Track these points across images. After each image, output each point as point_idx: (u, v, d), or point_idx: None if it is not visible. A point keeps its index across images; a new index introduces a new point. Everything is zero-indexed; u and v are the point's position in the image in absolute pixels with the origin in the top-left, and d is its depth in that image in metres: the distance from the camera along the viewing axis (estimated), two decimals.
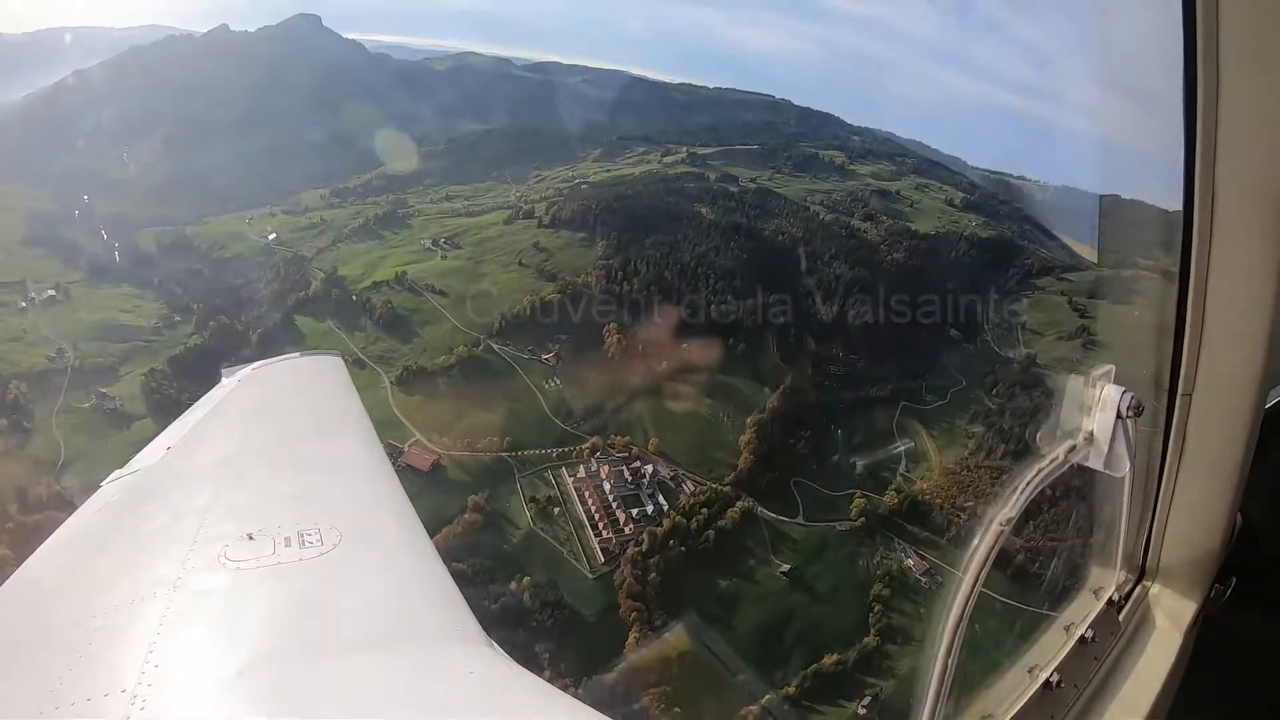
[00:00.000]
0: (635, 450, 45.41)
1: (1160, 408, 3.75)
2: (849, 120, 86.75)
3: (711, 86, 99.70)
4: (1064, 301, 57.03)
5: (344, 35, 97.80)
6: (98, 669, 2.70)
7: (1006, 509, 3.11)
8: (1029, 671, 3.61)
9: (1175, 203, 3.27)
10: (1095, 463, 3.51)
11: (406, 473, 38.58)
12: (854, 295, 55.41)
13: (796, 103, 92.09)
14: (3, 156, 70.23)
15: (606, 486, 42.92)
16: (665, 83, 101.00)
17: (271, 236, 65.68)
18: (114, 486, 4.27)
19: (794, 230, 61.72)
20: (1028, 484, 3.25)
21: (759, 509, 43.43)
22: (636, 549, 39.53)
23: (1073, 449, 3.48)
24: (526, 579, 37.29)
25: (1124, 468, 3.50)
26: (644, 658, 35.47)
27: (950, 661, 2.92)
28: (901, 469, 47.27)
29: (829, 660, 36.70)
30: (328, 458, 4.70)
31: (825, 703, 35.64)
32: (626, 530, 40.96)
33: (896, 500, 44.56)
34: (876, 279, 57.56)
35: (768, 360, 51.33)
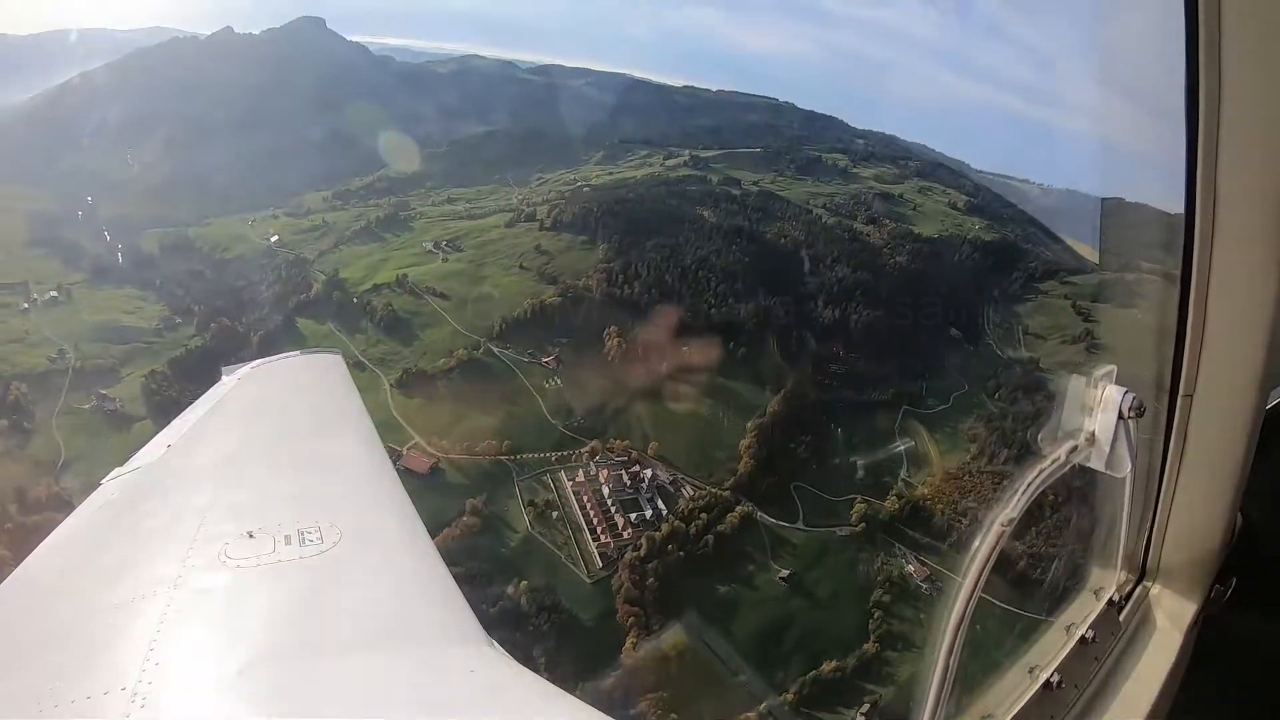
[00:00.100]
0: (635, 454, 45.30)
1: (1161, 409, 3.75)
2: (852, 123, 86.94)
3: (715, 89, 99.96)
4: (1068, 305, 56.80)
5: (348, 38, 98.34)
6: (99, 666, 2.70)
7: (1008, 510, 3.10)
8: (1029, 672, 3.60)
9: (1176, 205, 3.27)
10: (1096, 463, 3.50)
11: (405, 476, 37.71)
12: (856, 299, 55.30)
13: (800, 105, 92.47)
14: (7, 157, 70.65)
15: (605, 490, 42.78)
16: (668, 85, 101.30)
17: (273, 238, 65.88)
18: (114, 484, 4.27)
19: (796, 233, 61.65)
20: (1029, 485, 3.24)
21: (759, 514, 43.25)
22: (635, 554, 39.37)
23: (1074, 449, 3.47)
24: (524, 583, 37.18)
25: (1125, 468, 3.50)
26: (641, 663, 35.31)
27: (951, 662, 2.92)
28: (903, 474, 47.07)
29: (828, 667, 36.50)
30: (328, 456, 4.70)
31: (824, 710, 35.43)
32: (625, 535, 40.79)
33: (898, 505, 44.37)
34: (879, 282, 57.49)
35: (769, 364, 51.19)
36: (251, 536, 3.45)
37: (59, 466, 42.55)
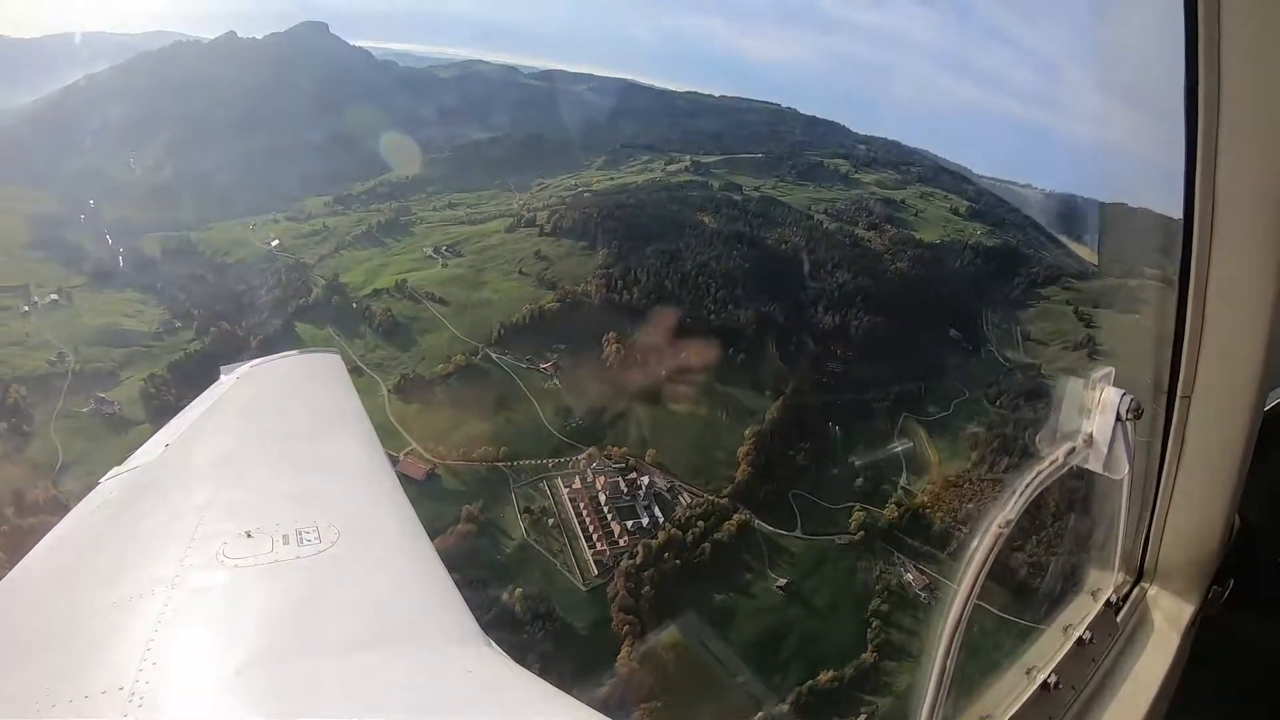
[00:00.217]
0: (632, 461, 45.17)
1: (1159, 410, 3.77)
2: (854, 129, 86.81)
3: (717, 95, 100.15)
4: (1069, 310, 56.60)
5: (351, 42, 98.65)
6: (96, 666, 2.67)
7: (1005, 511, 3.12)
8: (1027, 673, 3.62)
9: (1175, 208, 3.31)
10: (1094, 465, 3.52)
11: (401, 482, 38.01)
12: (857, 305, 55.19)
13: (802, 111, 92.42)
14: (11, 160, 70.86)
15: (602, 498, 42.65)
16: (671, 91, 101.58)
17: (274, 243, 66.05)
18: (112, 483, 4.25)
19: (797, 239, 61.56)
20: (1027, 486, 3.26)
21: (756, 522, 43.06)
22: (630, 561, 39.22)
23: (1072, 451, 3.49)
24: (518, 590, 37.07)
25: (1123, 470, 3.51)
26: (636, 672, 35.13)
27: (949, 663, 2.94)
28: (903, 481, 46.85)
29: (825, 677, 36.23)
30: (326, 455, 4.69)
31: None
32: (621, 542, 40.66)
33: (897, 514, 44.15)
34: (880, 288, 57.38)
35: (768, 370, 51.04)
36: (249, 536, 3.43)
37: (57, 469, 42.62)
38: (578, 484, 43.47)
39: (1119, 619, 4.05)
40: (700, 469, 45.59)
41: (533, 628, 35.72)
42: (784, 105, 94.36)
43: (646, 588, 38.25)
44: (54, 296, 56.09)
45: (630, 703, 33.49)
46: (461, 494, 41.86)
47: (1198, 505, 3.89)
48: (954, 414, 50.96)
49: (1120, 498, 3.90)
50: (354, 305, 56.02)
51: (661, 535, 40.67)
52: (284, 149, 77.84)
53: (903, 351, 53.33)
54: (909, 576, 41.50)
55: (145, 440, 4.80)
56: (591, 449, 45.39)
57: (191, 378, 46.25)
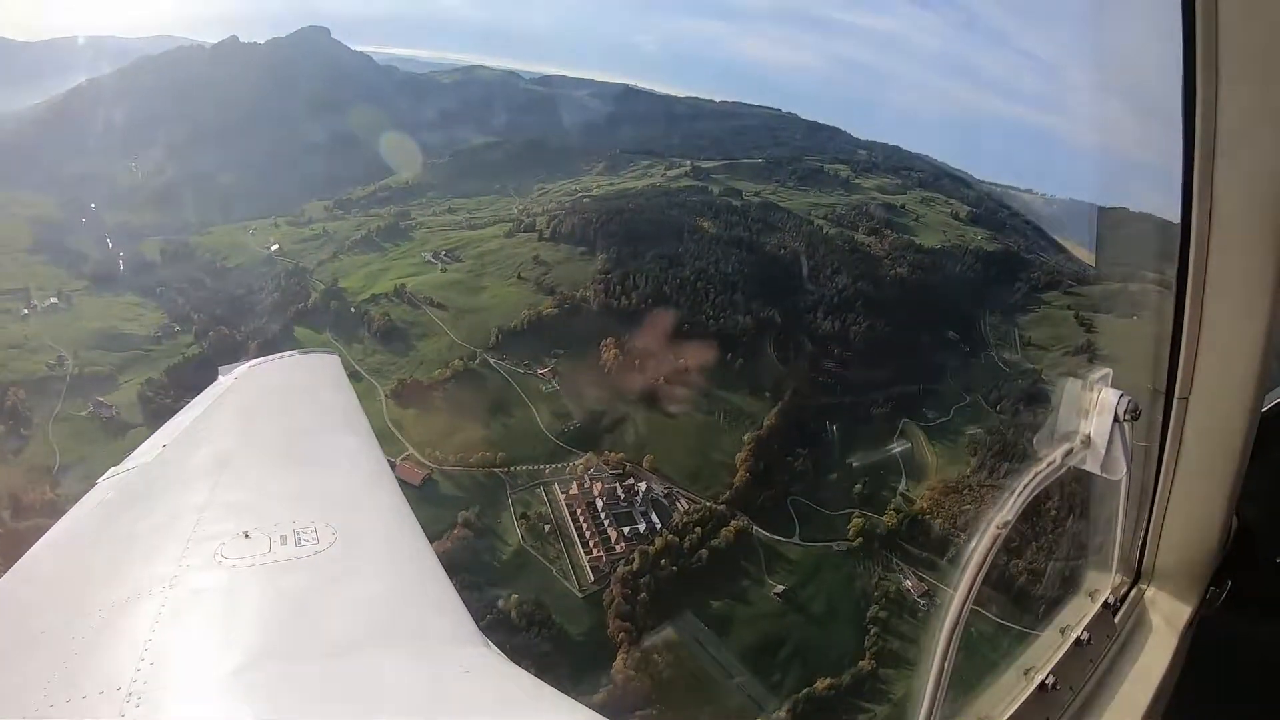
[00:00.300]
0: (629, 467, 45.06)
1: (1157, 411, 3.78)
2: (855, 134, 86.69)
3: (718, 100, 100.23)
4: (1070, 315, 56.46)
5: (352, 47, 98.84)
6: (93, 666, 2.67)
7: (1003, 512, 3.13)
8: (1025, 673, 3.64)
9: (1173, 211, 3.33)
10: (1092, 466, 3.52)
11: None
12: (856, 310, 55.08)
13: (803, 116, 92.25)
14: (13, 163, 71.09)
15: (599, 504, 42.55)
16: (672, 96, 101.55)
17: (274, 247, 66.15)
18: (110, 483, 4.26)
19: (797, 244, 61.42)
20: (1024, 487, 3.27)
21: (754, 528, 42.91)
22: (627, 568, 39.09)
23: (1069, 452, 3.49)
24: (514, 596, 36.96)
25: (1120, 471, 3.52)
26: (631, 678, 34.99)
27: (946, 665, 2.96)
28: (902, 487, 46.70)
29: (822, 684, 36.08)
30: (324, 455, 4.71)
31: None
32: (618, 548, 40.54)
33: (896, 520, 43.95)
34: (879, 293, 57.28)
35: (767, 376, 50.96)
36: (247, 536, 3.43)
37: (54, 472, 42.65)
38: (575, 490, 43.35)
39: (1117, 620, 4.06)
40: (698, 475, 45.47)
41: (528, 634, 35.59)
42: (784, 110, 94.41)
43: (643, 594, 38.11)
44: (54, 300, 56.22)
45: (626, 710, 33.34)
46: (458, 499, 41.80)
47: (1195, 506, 3.90)
48: (954, 419, 50.84)
49: (1118, 499, 3.92)
50: (352, 310, 56.07)
51: (658, 541, 40.52)
52: (285, 153, 78.03)
53: (902, 356, 53.21)
54: (908, 583, 41.32)
55: (142, 444, 4.80)
56: (589, 455, 45.29)
57: (189, 382, 46.28)
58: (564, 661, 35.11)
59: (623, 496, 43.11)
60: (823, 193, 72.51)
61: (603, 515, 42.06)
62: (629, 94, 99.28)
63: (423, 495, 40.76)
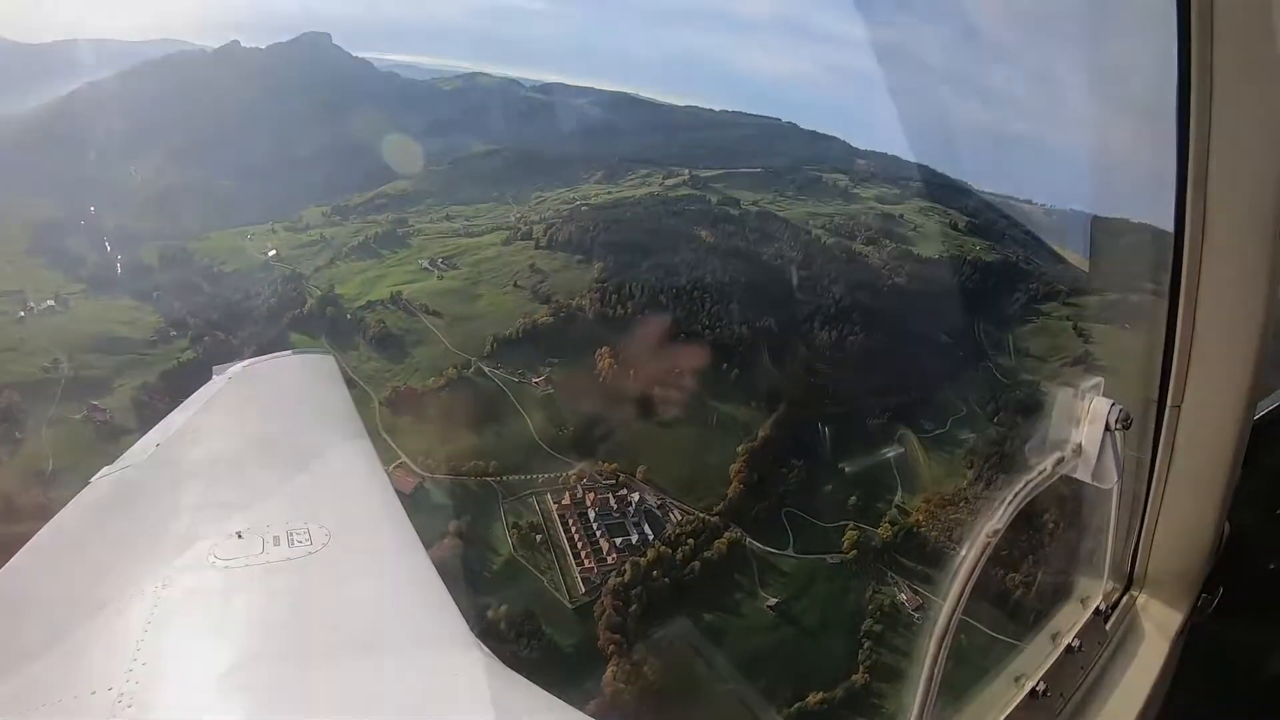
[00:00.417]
0: (622, 477, 44.90)
1: (1150, 419, 3.85)
2: (855, 144, 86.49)
3: (717, 109, 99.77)
4: (1069, 326, 56.31)
5: (354, 54, 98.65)
6: (84, 667, 2.68)
7: (993, 521, 3.14)
8: (1015, 680, 3.64)
9: (1165, 220, 3.38)
10: (1083, 475, 3.56)
11: None
12: (853, 320, 55.00)
13: (802, 126, 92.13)
14: (12, 165, 71.19)
15: (591, 514, 42.43)
16: (672, 105, 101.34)
17: (271, 253, 66.15)
18: (103, 483, 4.23)
19: (794, 254, 61.41)
20: (1015, 495, 3.28)
21: (748, 540, 42.76)
22: (618, 579, 38.94)
23: (1060, 461, 3.52)
24: (504, 608, 36.83)
25: (1112, 479, 3.55)
26: (621, 691, 34.83)
27: (936, 672, 2.98)
28: (897, 499, 46.56)
29: (814, 699, 35.93)
30: (318, 456, 4.68)
31: None
32: (609, 560, 40.41)
33: (891, 532, 43.82)
34: (876, 304, 57.21)
35: (762, 386, 50.88)
36: (240, 537, 3.43)
37: (46, 476, 42.59)
38: (567, 500, 43.17)
39: (1108, 626, 4.08)
40: (692, 485, 45.35)
41: (518, 645, 35.44)
42: (784, 120, 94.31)
43: (634, 606, 37.96)
44: (50, 302, 56.18)
45: None
46: (449, 509, 41.67)
47: (1188, 514, 3.94)
48: (950, 430, 50.67)
49: (1110, 506, 3.93)
50: (348, 317, 56.13)
51: (651, 553, 40.39)
52: (284, 159, 78.16)
53: (899, 367, 53.15)
54: (903, 596, 41.14)
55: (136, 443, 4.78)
56: (582, 465, 45.20)
57: (184, 387, 45.76)
58: (554, 673, 34.91)
59: (615, 507, 42.99)
60: (821, 202, 72.43)
61: (595, 526, 41.93)
62: (629, 102, 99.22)
63: (414, 504, 40.59)
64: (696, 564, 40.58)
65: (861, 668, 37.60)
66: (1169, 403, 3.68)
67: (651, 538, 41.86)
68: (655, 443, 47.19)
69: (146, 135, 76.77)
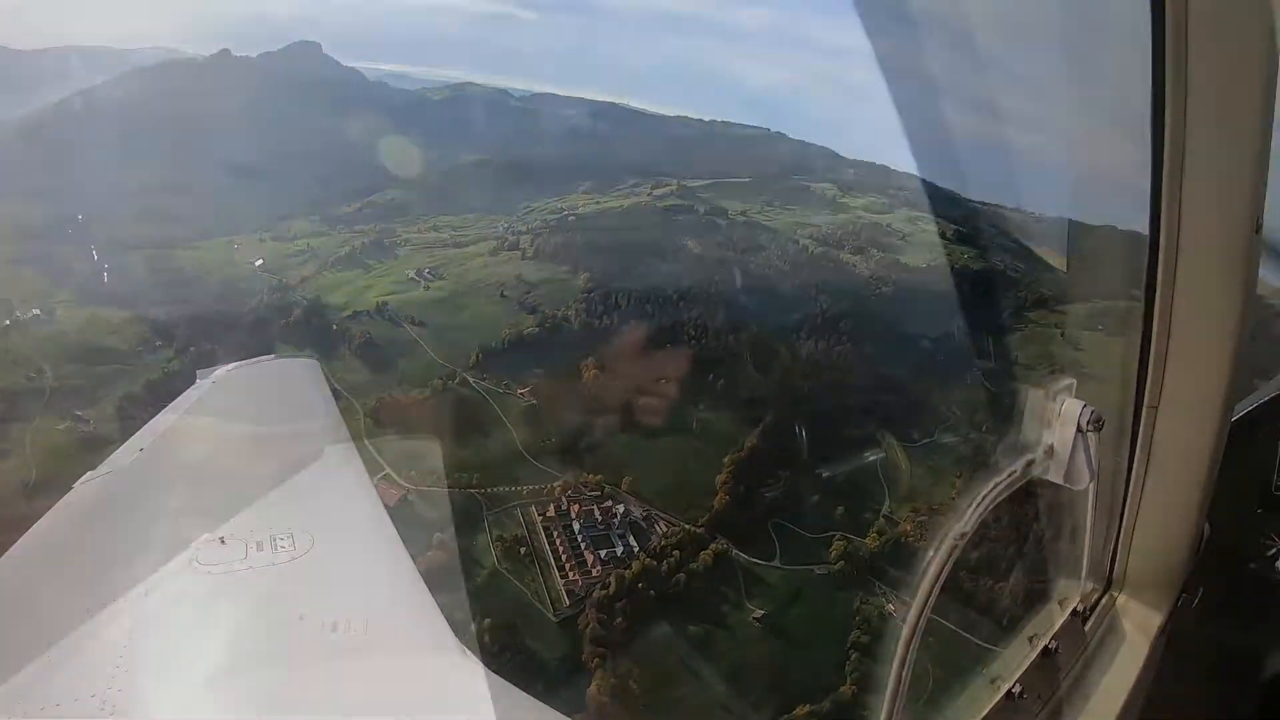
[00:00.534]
0: (607, 489, 44.80)
1: (1128, 420, 3.84)
2: (843, 153, 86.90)
3: (706, 119, 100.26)
4: (1057, 334, 56.21)
5: (344, 63, 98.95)
6: (68, 672, 2.67)
7: (961, 523, 3.13)
8: (991, 682, 3.61)
9: (1141, 223, 3.41)
10: (1055, 476, 3.54)
11: None
12: (840, 330, 55.06)
13: (791, 135, 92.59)
14: (1, 173, 70.96)
15: (576, 526, 42.27)
16: (662, 115, 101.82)
17: (258, 263, 65.99)
18: (86, 488, 4.32)
19: (782, 264, 61.54)
20: (984, 497, 3.28)
21: (734, 551, 42.63)
22: (603, 592, 38.77)
23: (1031, 463, 3.51)
24: (487, 620, 36.54)
25: (1084, 481, 3.53)
26: (605, 704, 34.62)
27: (904, 674, 2.99)
28: (885, 509, 46.50)
29: (801, 710, 35.74)
30: (301, 461, 4.69)
31: None
32: (594, 572, 40.23)
33: (879, 543, 43.74)
34: (864, 313, 57.27)
35: (749, 397, 50.84)
36: (223, 542, 3.44)
37: (29, 486, 42.21)
38: (552, 511, 43.06)
39: (1087, 628, 4.04)
40: (677, 497, 45.24)
41: (501, 658, 35.18)
42: (773, 129, 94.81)
43: (619, 619, 37.76)
44: (36, 311, 55.85)
45: None
46: (433, 521, 41.35)
47: (1167, 514, 3.93)
48: (938, 440, 50.68)
49: (1088, 507, 3.90)
50: (334, 327, 56.06)
51: (636, 565, 40.22)
52: (273, 168, 78.09)
53: (887, 378, 53.19)
54: (890, 607, 40.96)
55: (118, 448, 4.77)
56: (567, 476, 45.06)
57: (168, 397, 45.58)
58: (537, 686, 34.65)
59: (600, 519, 42.83)
60: (809, 211, 72.66)
61: (580, 538, 41.77)
62: (618, 112, 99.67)
63: (397, 516, 40.01)
64: (682, 576, 40.46)
65: (849, 680, 37.38)
66: (1146, 403, 3.70)
67: (637, 549, 41.69)
68: (641, 454, 47.09)
69: (136, 143, 76.51)
